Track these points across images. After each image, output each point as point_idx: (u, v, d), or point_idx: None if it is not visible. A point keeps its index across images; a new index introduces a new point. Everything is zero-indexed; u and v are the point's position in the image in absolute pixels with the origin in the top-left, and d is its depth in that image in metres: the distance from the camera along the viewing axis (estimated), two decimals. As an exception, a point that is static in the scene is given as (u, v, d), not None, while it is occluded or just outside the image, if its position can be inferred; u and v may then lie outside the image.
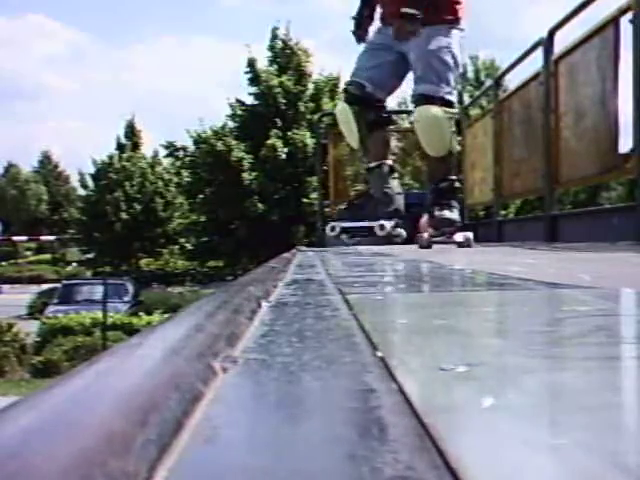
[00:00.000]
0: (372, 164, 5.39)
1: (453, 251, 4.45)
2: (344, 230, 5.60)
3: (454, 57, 4.95)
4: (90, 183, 35.35)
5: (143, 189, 33.70)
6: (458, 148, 5.36)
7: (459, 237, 4.84)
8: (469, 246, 4.79)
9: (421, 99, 4.88)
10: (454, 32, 4.96)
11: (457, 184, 5.25)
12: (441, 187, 5.09)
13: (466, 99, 27.64)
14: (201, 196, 24.69)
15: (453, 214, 5.04)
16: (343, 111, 5.24)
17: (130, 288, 22.21)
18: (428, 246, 4.90)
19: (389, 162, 5.42)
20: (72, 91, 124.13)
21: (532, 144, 6.61)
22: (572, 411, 0.55)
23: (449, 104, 4.90)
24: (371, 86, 5.07)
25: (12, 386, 13.35)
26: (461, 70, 5.24)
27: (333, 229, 5.60)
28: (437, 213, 5.00)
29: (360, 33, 5.22)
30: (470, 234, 4.94)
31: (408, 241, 7.23)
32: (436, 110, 4.79)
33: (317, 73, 24.89)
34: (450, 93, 4.90)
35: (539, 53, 6.29)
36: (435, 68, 4.83)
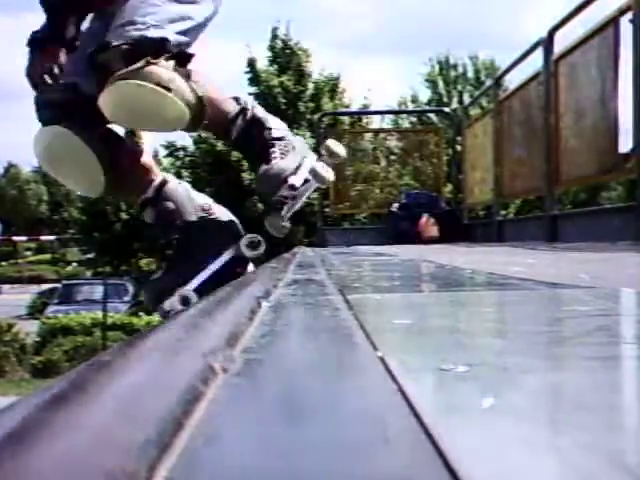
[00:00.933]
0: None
1: (454, 251, 4.38)
2: None
3: None
4: (90, 183, 35.37)
5: (143, 189, 33.70)
6: (199, 93, 2.56)
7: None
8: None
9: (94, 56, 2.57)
10: None
11: (275, 132, 2.85)
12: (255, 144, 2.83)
13: (466, 99, 27.69)
14: (201, 196, 24.68)
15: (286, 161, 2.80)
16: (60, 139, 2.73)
17: (130, 288, 22.26)
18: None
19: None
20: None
21: (532, 144, 6.61)
22: (572, 411, 0.55)
23: (159, 46, 2.54)
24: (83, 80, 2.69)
25: (12, 386, 13.36)
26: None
27: None
28: (263, 168, 2.79)
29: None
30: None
31: (410, 241, 7.24)
32: (120, 87, 2.50)
33: (317, 73, 24.87)
34: (157, 26, 2.57)
35: (539, 53, 6.29)
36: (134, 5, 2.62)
